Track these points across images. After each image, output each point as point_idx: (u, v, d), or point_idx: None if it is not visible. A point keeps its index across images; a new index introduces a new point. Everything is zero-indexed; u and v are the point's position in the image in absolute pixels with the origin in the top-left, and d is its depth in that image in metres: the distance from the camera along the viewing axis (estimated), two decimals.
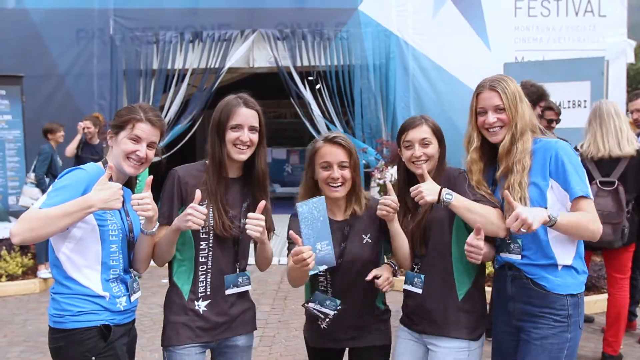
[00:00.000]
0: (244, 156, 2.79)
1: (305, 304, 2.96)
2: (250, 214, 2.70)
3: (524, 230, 2.52)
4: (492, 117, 2.87)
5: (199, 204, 2.64)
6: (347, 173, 2.88)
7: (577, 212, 2.70)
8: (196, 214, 2.59)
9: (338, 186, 2.89)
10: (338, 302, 2.89)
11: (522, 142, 2.82)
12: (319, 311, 2.89)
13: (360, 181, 3.00)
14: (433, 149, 2.96)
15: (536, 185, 2.77)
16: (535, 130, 2.89)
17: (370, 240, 2.96)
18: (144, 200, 2.59)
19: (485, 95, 2.90)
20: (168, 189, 2.80)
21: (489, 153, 2.97)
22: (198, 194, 2.65)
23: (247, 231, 2.68)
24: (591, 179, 4.73)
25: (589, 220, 2.69)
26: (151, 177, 2.66)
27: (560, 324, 2.75)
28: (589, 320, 6.27)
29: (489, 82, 2.91)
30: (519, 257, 2.82)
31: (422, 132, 2.96)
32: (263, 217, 2.70)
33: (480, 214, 2.78)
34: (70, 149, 8.71)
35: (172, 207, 2.79)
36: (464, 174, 2.98)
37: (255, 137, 2.81)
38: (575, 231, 2.68)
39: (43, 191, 8.39)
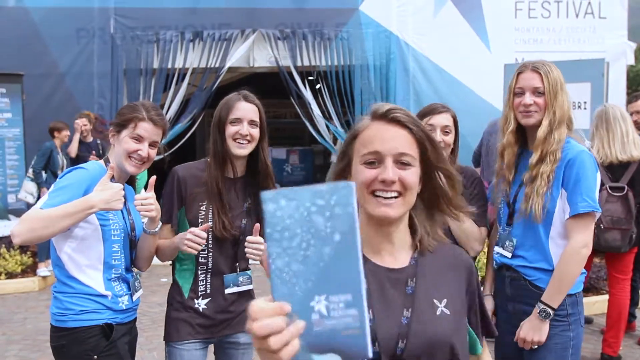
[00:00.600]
0: (244, 151, 2.76)
1: None
2: (249, 238, 2.68)
3: None
4: (529, 99, 2.77)
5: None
6: (409, 175, 1.54)
7: (554, 274, 2.73)
8: (194, 239, 2.60)
9: (392, 197, 1.54)
10: None
11: (558, 133, 2.74)
12: None
13: (444, 194, 1.63)
14: (451, 138, 2.98)
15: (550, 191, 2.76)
16: (570, 126, 2.81)
17: (447, 311, 1.57)
18: (147, 200, 2.59)
19: (526, 76, 2.81)
20: (168, 188, 2.81)
21: (521, 139, 2.91)
22: (204, 227, 2.66)
23: (247, 255, 2.69)
24: (601, 184, 4.72)
25: (567, 270, 2.71)
26: (154, 177, 2.66)
27: (561, 323, 2.76)
28: (588, 321, 6.27)
29: (532, 64, 2.83)
30: (510, 255, 2.84)
31: (445, 119, 2.97)
32: (261, 240, 2.66)
33: (465, 232, 2.90)
34: (74, 149, 8.72)
35: (173, 207, 2.79)
36: (478, 180, 3.03)
37: (255, 131, 2.78)
38: (570, 282, 2.74)
39: (39, 185, 8.42)
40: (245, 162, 2.86)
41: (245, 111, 2.76)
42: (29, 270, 8.25)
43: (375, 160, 1.55)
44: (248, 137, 2.76)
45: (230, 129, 2.76)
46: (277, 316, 0.95)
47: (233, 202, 2.82)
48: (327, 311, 0.92)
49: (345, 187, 0.98)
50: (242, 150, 2.76)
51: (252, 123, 2.77)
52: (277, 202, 0.96)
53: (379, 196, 1.53)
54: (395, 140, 1.54)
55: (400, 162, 1.54)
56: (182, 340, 2.79)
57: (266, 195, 0.98)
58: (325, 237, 0.94)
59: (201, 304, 2.79)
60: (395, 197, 1.54)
